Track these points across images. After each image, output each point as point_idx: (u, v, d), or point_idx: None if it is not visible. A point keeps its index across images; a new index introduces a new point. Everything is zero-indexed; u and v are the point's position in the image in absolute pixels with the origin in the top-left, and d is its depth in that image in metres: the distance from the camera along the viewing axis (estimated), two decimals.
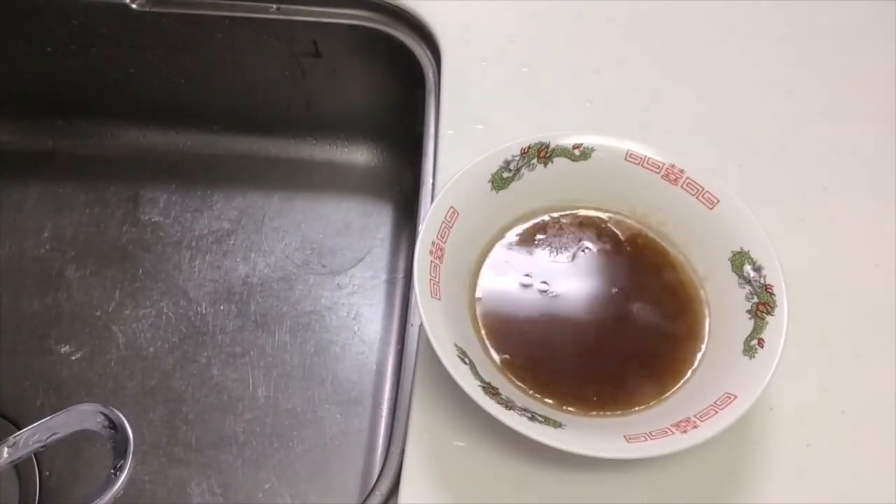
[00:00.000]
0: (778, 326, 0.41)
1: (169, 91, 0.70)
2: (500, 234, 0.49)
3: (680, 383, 0.43)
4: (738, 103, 0.58)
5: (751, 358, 0.41)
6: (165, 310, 0.65)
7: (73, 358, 0.63)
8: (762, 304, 0.42)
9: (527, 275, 0.47)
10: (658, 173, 0.47)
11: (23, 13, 0.64)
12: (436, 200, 0.45)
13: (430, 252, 0.43)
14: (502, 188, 0.48)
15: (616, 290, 0.47)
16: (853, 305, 0.49)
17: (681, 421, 0.39)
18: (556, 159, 0.48)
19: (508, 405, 0.39)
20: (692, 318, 0.46)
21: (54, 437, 0.38)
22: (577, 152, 0.48)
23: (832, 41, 0.62)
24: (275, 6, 0.63)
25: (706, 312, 0.46)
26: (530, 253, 0.48)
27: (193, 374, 0.62)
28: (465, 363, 0.40)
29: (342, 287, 0.67)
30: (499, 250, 0.48)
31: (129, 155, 0.73)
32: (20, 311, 0.65)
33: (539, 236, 0.49)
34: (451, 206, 0.45)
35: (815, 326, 0.47)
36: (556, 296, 0.47)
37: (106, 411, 0.38)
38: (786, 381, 0.45)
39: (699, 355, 0.44)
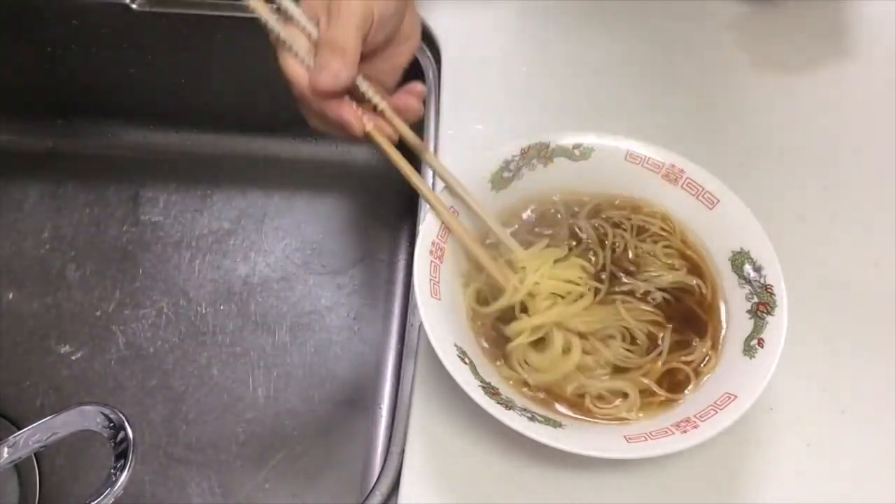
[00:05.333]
0: (778, 326, 0.41)
1: (169, 91, 0.70)
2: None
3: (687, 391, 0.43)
4: (738, 103, 0.58)
5: (751, 358, 0.41)
6: (165, 310, 0.65)
7: (73, 358, 0.63)
8: (762, 304, 0.42)
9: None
10: (658, 173, 0.47)
11: (23, 13, 0.64)
12: None
13: (430, 252, 0.43)
14: (502, 188, 0.48)
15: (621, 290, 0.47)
16: (853, 305, 0.49)
17: (681, 421, 0.39)
18: (556, 159, 0.48)
19: (508, 405, 0.39)
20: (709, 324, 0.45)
21: (54, 437, 0.38)
22: (577, 152, 0.48)
23: (834, 41, 0.63)
24: (275, 6, 0.62)
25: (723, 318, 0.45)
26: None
27: (193, 374, 0.62)
28: (465, 363, 0.40)
29: (342, 287, 0.67)
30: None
31: (129, 155, 0.73)
32: (20, 311, 0.65)
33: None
34: (451, 206, 0.45)
35: (815, 326, 0.47)
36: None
37: (107, 411, 0.38)
38: (786, 381, 0.45)
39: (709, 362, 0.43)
